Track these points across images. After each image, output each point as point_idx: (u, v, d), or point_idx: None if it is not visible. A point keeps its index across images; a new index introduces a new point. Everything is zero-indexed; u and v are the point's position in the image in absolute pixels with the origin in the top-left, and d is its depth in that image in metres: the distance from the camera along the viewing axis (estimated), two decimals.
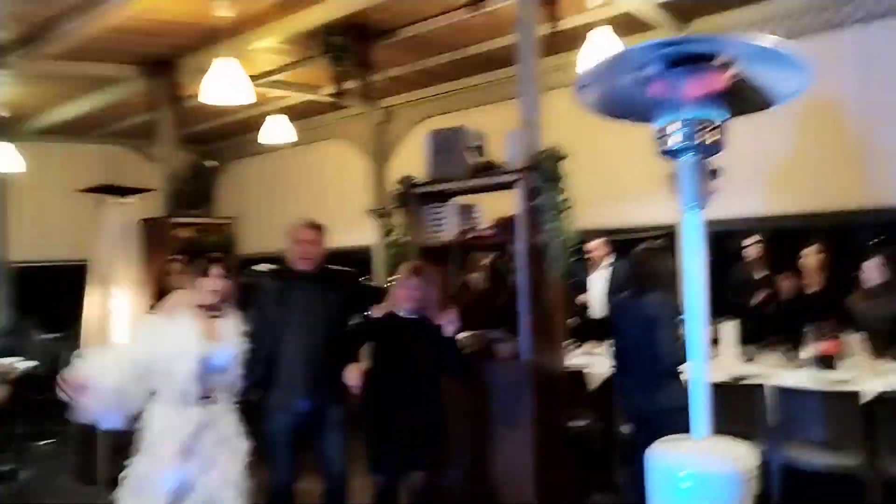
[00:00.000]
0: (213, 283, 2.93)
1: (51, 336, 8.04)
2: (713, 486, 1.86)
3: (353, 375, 3.19)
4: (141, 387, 2.82)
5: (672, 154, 1.94)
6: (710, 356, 2.12)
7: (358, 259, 7.46)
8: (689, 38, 1.92)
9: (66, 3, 4.78)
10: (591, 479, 4.47)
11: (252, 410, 3.16)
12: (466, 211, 4.19)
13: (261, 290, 3.39)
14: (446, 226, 4.09)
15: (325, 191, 8.64)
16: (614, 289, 4.85)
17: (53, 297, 8.47)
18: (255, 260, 5.23)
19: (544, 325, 3.78)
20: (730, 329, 4.43)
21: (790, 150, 5.35)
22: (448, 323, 3.31)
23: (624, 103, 2.09)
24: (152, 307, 3.59)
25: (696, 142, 1.87)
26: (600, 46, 4.53)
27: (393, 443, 3.26)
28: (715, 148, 1.90)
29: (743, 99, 1.93)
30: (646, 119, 2.02)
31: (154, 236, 5.86)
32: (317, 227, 3.48)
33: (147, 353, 2.84)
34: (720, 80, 1.82)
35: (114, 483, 4.71)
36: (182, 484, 2.78)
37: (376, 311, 3.39)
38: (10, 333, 7.80)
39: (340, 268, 3.63)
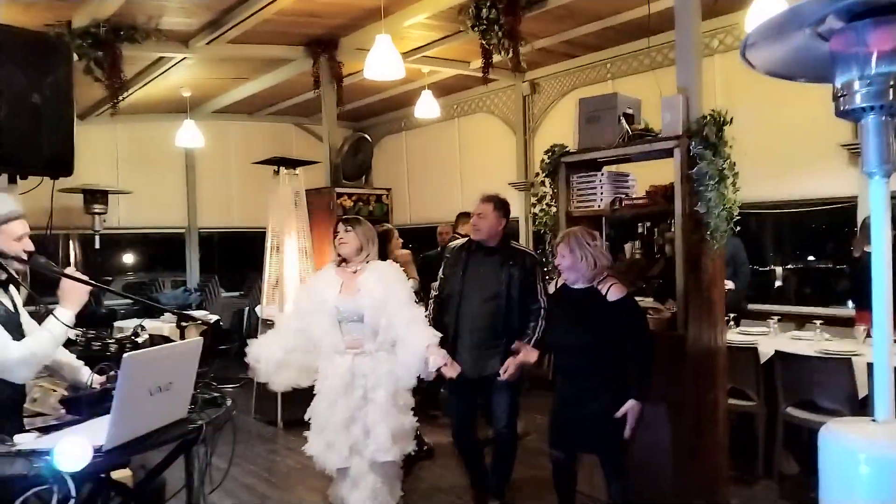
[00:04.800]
0: (338, 238, 3.25)
1: (232, 294, 9.03)
2: None
3: (526, 356, 3.25)
4: (305, 350, 3.19)
5: (855, 114, 1.81)
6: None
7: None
8: None
9: None
10: (754, 464, 4.27)
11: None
12: (619, 179, 4.11)
13: (445, 259, 3.66)
14: (598, 195, 4.04)
15: (472, 163, 8.82)
16: None
17: (233, 260, 9.47)
18: (408, 229, 5.53)
19: (701, 297, 3.65)
20: None
21: None
22: (433, 362, 3.00)
23: (797, 62, 1.97)
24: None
25: (885, 99, 1.73)
26: (769, 3, 4.21)
27: (565, 420, 3.17)
28: None
29: None
30: (823, 78, 1.90)
31: (319, 205, 6.32)
32: (488, 201, 3.59)
33: (302, 312, 3.24)
34: None
35: (290, 424, 5.27)
36: (347, 419, 3.08)
37: (551, 287, 3.42)
38: (199, 290, 8.85)
39: (524, 247, 3.76)
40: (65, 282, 2.25)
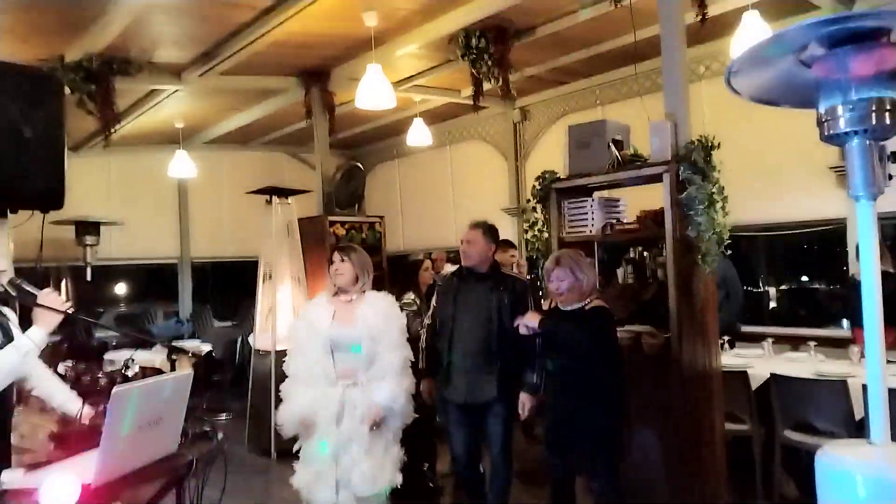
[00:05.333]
0: (333, 268, 3.22)
1: (225, 324, 8.98)
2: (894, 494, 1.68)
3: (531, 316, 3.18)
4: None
5: (839, 139, 1.83)
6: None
7: None
8: (855, 14, 1.80)
9: (235, 21, 5.29)
10: (753, 487, 4.23)
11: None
12: (610, 204, 4.14)
13: (437, 287, 3.73)
14: (589, 220, 4.06)
15: (464, 190, 8.86)
16: None
17: (226, 289, 9.42)
18: (401, 256, 5.53)
19: (694, 320, 3.65)
20: None
21: None
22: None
23: (781, 88, 2.00)
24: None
25: (868, 124, 1.75)
26: (753, 30, 4.29)
27: (561, 441, 3.16)
28: (890, 130, 1.77)
29: None
30: (807, 104, 1.92)
31: (312, 234, 6.32)
32: (476, 227, 3.63)
33: (300, 341, 3.21)
34: (893, 57, 1.70)
35: (283, 454, 5.20)
36: (336, 452, 3.04)
37: (543, 307, 3.46)
38: (191, 321, 8.80)
39: (516, 274, 3.84)
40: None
